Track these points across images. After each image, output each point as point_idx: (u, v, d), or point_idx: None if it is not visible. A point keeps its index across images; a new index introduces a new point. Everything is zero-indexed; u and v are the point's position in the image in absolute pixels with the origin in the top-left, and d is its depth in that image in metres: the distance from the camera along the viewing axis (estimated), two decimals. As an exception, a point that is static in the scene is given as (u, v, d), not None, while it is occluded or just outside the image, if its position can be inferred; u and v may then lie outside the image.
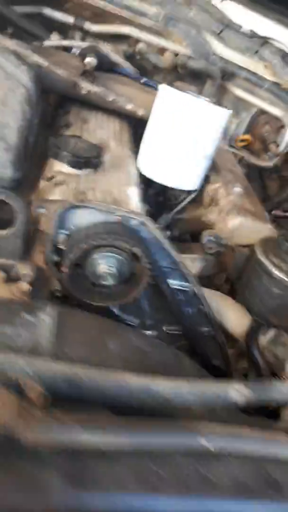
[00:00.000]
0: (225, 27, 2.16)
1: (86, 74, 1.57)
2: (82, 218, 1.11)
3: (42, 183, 1.26)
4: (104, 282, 1.12)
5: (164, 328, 1.38)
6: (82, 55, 1.70)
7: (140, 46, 2.13)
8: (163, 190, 1.54)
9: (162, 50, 2.17)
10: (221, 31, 2.17)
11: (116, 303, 1.19)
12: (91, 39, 2.20)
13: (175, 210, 1.51)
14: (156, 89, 1.63)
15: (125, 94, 1.58)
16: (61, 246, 1.14)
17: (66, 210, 1.08)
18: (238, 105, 2.27)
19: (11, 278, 1.22)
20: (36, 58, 1.41)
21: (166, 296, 1.23)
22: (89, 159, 1.23)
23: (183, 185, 1.46)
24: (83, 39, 2.20)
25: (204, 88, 2.21)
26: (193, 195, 1.52)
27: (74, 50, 1.98)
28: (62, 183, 1.20)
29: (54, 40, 2.04)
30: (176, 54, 2.14)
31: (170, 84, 1.45)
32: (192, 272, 1.20)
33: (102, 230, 1.07)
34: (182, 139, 1.36)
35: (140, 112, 1.54)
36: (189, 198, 1.53)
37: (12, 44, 1.36)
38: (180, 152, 1.38)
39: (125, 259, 1.11)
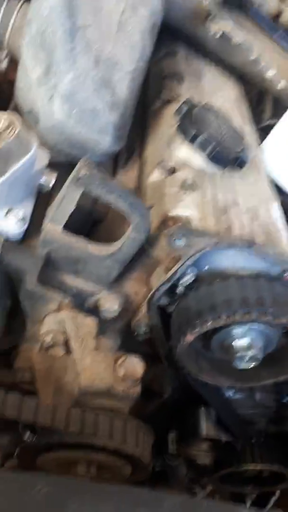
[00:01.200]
0: None
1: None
2: (227, 261, 0.69)
3: (157, 175, 0.81)
4: (237, 363, 0.72)
5: (256, 396, 1.02)
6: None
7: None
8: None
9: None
10: None
11: (242, 385, 0.80)
12: None
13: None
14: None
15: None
16: (181, 290, 0.72)
17: (216, 249, 0.65)
18: None
19: (85, 308, 0.81)
20: None
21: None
22: (239, 156, 0.78)
23: None
24: None
25: None
26: None
27: None
28: (195, 187, 0.75)
29: None
30: None
31: None
32: None
33: (258, 293, 0.66)
34: None
35: (281, 85, 1.07)
36: None
37: None
38: None
39: (276, 333, 0.72)
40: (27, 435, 0.76)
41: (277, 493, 1.30)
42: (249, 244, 0.62)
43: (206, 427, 1.01)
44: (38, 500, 0.44)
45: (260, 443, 1.13)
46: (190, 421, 1.03)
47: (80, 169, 0.64)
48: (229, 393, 0.99)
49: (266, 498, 1.27)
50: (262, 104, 1.32)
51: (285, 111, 1.07)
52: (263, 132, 1.12)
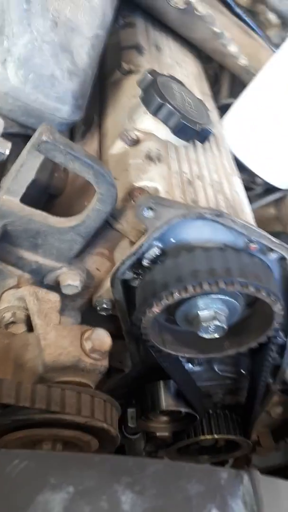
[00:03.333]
0: None
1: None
2: (193, 234, 0.69)
3: (119, 146, 0.78)
4: (202, 334, 0.73)
5: (215, 367, 1.05)
6: None
7: None
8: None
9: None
10: None
11: (204, 356, 0.81)
12: None
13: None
14: (258, 33, 1.17)
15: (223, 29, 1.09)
16: (146, 263, 0.71)
17: (185, 220, 0.65)
18: None
19: (44, 285, 0.78)
20: None
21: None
22: (204, 128, 0.77)
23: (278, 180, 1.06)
24: None
25: None
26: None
27: None
28: (160, 159, 0.74)
29: None
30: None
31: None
32: None
33: (225, 264, 0.67)
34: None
35: (243, 61, 1.07)
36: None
37: None
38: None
39: (239, 303, 0.73)
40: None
41: (231, 461, 1.36)
42: (218, 214, 0.62)
43: (165, 399, 1.02)
44: (15, 477, 0.42)
45: (216, 414, 1.17)
46: (149, 395, 1.04)
47: (41, 134, 0.60)
48: (189, 366, 1.01)
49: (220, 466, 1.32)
50: (218, 84, 1.32)
51: (242, 89, 1.09)
52: (220, 111, 1.13)
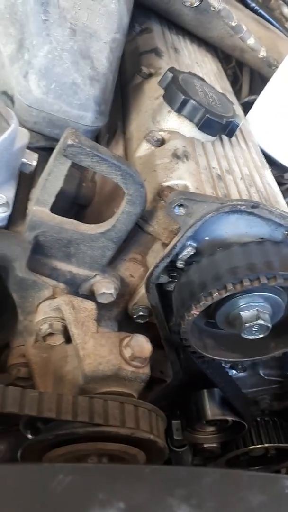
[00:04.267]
0: None
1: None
2: (228, 229, 0.66)
3: (145, 148, 0.77)
4: (245, 335, 0.69)
5: (260, 372, 1.00)
6: None
7: None
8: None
9: None
10: None
11: (249, 359, 0.77)
12: None
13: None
14: (275, 25, 1.14)
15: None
16: (181, 265, 0.69)
17: (219, 214, 0.62)
18: None
19: (79, 295, 0.76)
20: None
21: None
22: (229, 122, 0.75)
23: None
24: None
25: None
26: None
27: None
28: (188, 156, 0.72)
29: None
30: None
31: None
32: None
33: (265, 257, 0.63)
34: None
35: (263, 53, 1.04)
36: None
37: None
38: None
39: (283, 299, 0.69)
40: (29, 433, 0.71)
41: (283, 471, 1.29)
42: (254, 205, 0.59)
43: (211, 408, 0.98)
44: (60, 493, 0.39)
45: (264, 422, 1.11)
46: (194, 405, 1.00)
47: (67, 138, 0.59)
48: (233, 372, 0.97)
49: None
50: (238, 83, 1.30)
51: (263, 87, 1.06)
52: (243, 109, 1.10)
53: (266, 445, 1.07)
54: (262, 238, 0.66)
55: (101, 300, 0.77)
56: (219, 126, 0.74)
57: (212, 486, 0.42)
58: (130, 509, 0.40)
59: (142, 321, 0.84)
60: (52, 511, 0.40)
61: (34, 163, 0.73)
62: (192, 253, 0.68)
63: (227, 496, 0.42)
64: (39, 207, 0.70)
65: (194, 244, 0.67)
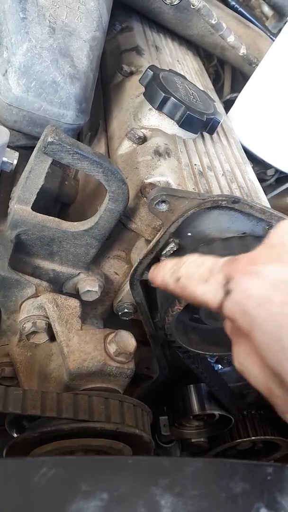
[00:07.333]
0: None
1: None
2: (210, 225, 0.66)
3: (126, 145, 0.77)
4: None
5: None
6: None
7: None
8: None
9: None
10: None
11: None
12: None
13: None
14: (255, 23, 1.15)
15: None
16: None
17: (202, 210, 0.62)
18: None
19: (63, 293, 0.76)
20: None
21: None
22: (212, 119, 0.75)
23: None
24: None
25: None
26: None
27: None
28: (169, 153, 0.72)
29: None
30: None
31: None
32: None
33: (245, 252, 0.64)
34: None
35: (242, 51, 1.05)
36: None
37: None
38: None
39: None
40: (14, 432, 0.71)
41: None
42: (235, 200, 0.59)
43: (197, 403, 0.99)
44: (44, 486, 0.39)
45: (251, 415, 1.12)
46: (181, 400, 1.01)
47: (47, 136, 0.59)
48: (218, 367, 0.98)
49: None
50: (219, 81, 1.31)
51: (244, 85, 1.07)
52: (224, 107, 1.11)
53: (253, 438, 1.08)
54: (244, 233, 0.67)
55: (86, 298, 0.78)
56: (200, 123, 0.74)
57: (194, 475, 0.42)
58: (114, 500, 0.40)
59: (127, 318, 0.84)
60: (36, 504, 0.40)
61: (15, 161, 0.73)
62: (175, 249, 0.68)
63: (210, 484, 0.43)
64: (21, 206, 0.70)
65: (177, 240, 0.68)
